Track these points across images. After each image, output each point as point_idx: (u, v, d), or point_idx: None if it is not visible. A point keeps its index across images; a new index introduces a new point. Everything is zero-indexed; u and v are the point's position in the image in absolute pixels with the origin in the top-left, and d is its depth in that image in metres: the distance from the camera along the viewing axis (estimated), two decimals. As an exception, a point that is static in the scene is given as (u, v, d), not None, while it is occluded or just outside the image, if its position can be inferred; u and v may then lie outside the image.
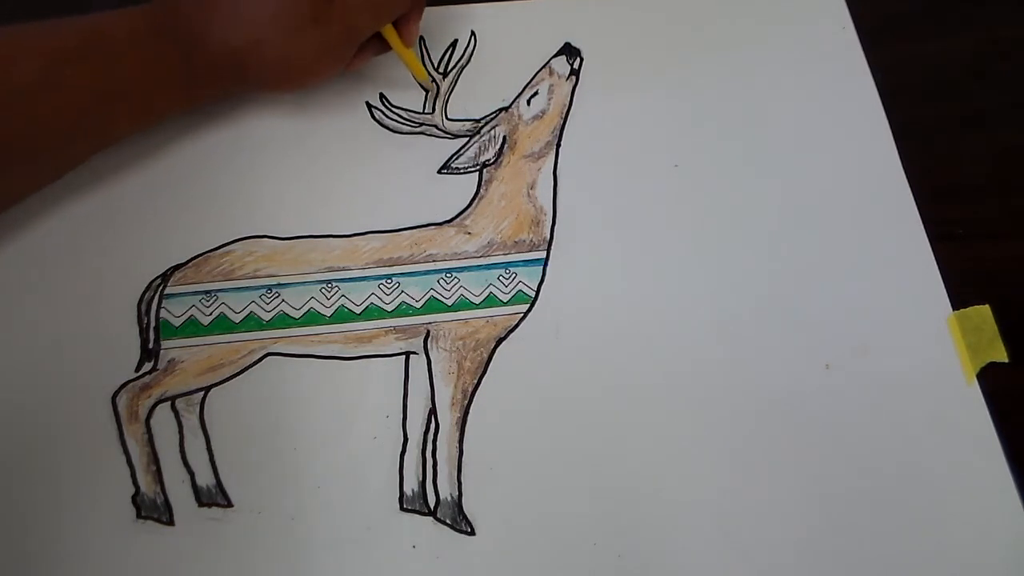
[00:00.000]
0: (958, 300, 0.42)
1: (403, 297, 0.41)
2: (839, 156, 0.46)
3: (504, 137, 0.46)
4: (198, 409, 0.39)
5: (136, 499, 0.37)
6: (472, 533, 0.37)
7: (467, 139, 0.46)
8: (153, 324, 0.40)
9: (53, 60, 0.36)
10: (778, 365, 0.41)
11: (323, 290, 0.41)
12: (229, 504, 0.37)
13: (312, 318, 0.41)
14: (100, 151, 0.41)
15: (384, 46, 0.44)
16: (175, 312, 0.40)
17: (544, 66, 0.48)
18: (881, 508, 0.38)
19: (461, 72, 0.48)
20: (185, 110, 0.42)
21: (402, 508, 0.38)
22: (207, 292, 0.41)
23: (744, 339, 0.41)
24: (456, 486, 0.38)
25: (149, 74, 0.39)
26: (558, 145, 0.46)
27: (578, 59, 0.48)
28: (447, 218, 0.44)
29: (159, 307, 0.40)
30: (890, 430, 0.40)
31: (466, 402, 0.39)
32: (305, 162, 0.45)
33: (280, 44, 0.38)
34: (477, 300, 0.41)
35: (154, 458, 0.38)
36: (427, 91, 0.47)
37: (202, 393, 0.39)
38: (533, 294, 0.42)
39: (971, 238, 0.45)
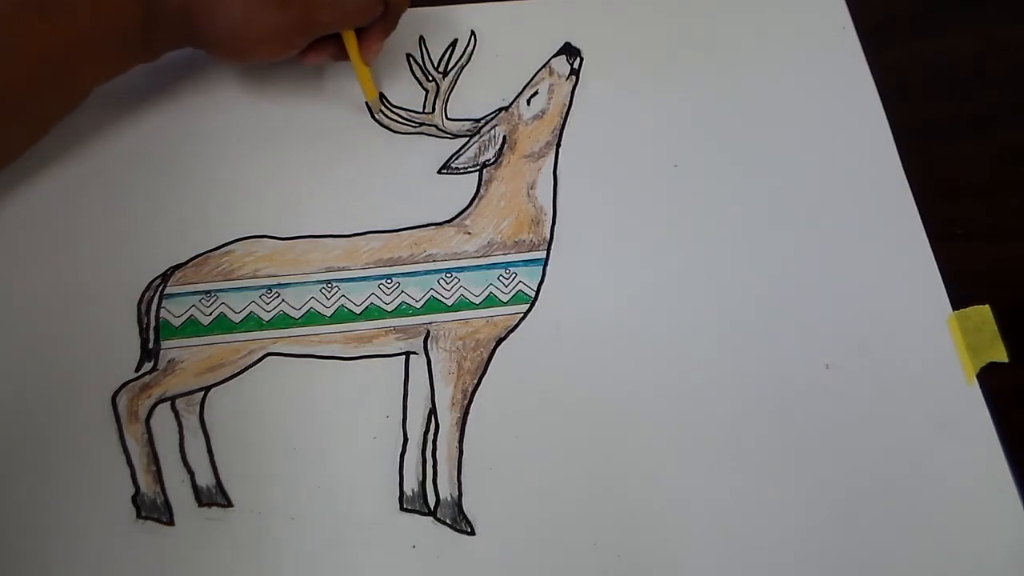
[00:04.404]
0: (958, 300, 0.42)
1: (403, 297, 0.41)
2: (839, 156, 0.46)
3: (504, 137, 0.46)
4: (198, 409, 0.39)
5: (136, 499, 0.37)
6: (472, 533, 0.37)
7: (467, 139, 0.46)
8: (153, 324, 0.40)
9: (14, 14, 0.36)
10: (778, 365, 0.41)
11: (323, 290, 0.41)
12: (229, 504, 0.37)
13: (312, 318, 0.41)
14: (68, 110, 0.41)
15: (346, 53, 0.43)
16: (175, 312, 0.40)
17: (544, 66, 0.48)
18: (881, 508, 0.38)
19: (461, 72, 0.48)
20: (147, 61, 0.41)
21: (402, 508, 0.38)
22: (207, 292, 0.41)
23: (744, 339, 0.41)
24: (456, 486, 0.38)
25: (109, 25, 0.38)
26: (558, 145, 0.46)
27: (578, 59, 0.48)
28: (447, 218, 0.43)
29: (159, 307, 0.40)
30: (890, 430, 0.40)
31: (466, 402, 0.39)
32: (305, 162, 0.45)
33: (234, 11, 0.38)
34: (477, 300, 0.41)
35: (154, 458, 0.38)
36: (373, 111, 0.46)
37: (202, 393, 0.39)
38: (533, 294, 0.42)
39: (971, 238, 0.45)
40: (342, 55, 0.43)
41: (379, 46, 0.43)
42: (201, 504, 0.37)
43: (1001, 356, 0.41)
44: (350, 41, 0.42)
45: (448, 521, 0.37)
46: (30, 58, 0.37)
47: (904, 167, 0.46)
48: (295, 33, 0.40)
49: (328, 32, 0.41)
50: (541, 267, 0.42)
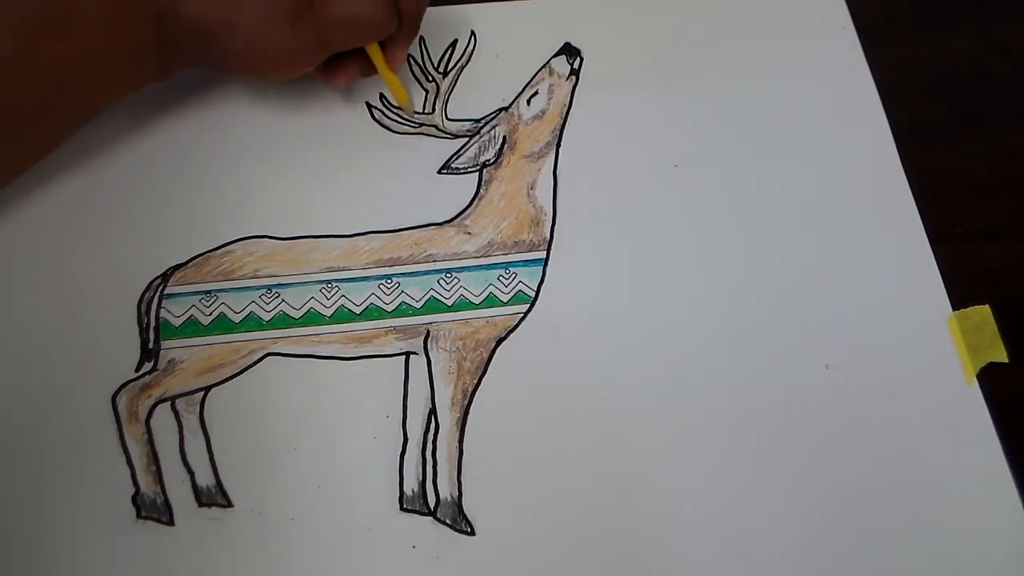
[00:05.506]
0: (958, 300, 0.42)
1: (403, 297, 0.41)
2: (839, 156, 0.46)
3: (504, 137, 0.46)
4: (198, 409, 0.39)
5: (136, 499, 0.37)
6: (472, 533, 0.37)
7: (467, 139, 0.46)
8: (153, 324, 0.40)
9: (26, 30, 0.36)
10: (778, 365, 0.41)
11: (323, 290, 0.41)
12: (229, 504, 0.37)
13: (312, 318, 0.41)
14: (78, 128, 0.41)
15: (373, 67, 0.43)
16: (175, 312, 0.40)
17: (544, 66, 0.48)
18: (881, 508, 0.38)
19: (461, 72, 0.48)
20: (159, 81, 0.41)
21: (402, 508, 0.38)
22: (207, 292, 0.41)
23: (744, 339, 0.41)
24: (456, 486, 0.38)
25: (122, 44, 0.38)
26: (558, 145, 0.46)
27: (578, 59, 0.48)
28: (447, 218, 0.43)
29: (159, 307, 0.40)
30: (890, 430, 0.40)
31: (466, 402, 0.39)
32: (305, 162, 0.45)
33: (249, 31, 0.38)
34: (477, 300, 0.41)
35: (154, 458, 0.38)
36: (401, 119, 0.46)
37: (202, 393, 0.39)
38: (533, 294, 0.42)
39: (971, 238, 0.45)
40: (369, 69, 0.43)
41: (403, 54, 0.43)
42: (201, 504, 0.37)
43: (1001, 356, 0.41)
44: (375, 53, 0.42)
45: (448, 521, 0.37)
46: (40, 76, 0.37)
47: (904, 167, 0.46)
48: (309, 53, 0.40)
49: (342, 50, 0.41)
50: (541, 267, 0.42)
